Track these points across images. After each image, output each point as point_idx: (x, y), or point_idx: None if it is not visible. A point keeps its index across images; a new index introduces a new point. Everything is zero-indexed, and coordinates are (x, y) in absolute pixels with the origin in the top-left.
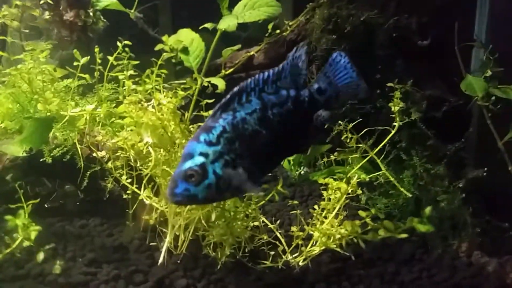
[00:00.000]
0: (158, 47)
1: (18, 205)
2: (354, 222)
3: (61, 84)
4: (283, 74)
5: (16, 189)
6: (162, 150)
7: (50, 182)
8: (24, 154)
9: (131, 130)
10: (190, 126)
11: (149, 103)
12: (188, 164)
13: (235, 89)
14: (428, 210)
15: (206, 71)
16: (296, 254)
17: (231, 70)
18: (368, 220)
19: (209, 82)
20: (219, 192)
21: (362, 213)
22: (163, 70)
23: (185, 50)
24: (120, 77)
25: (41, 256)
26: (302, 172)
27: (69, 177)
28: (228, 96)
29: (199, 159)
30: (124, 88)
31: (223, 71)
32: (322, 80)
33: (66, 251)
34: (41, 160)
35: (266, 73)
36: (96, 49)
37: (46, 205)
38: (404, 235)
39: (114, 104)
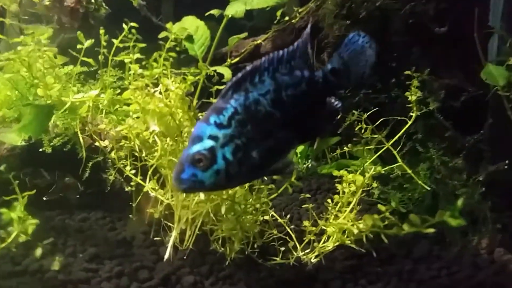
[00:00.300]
0: (162, 34)
1: (13, 197)
2: (374, 216)
3: (62, 70)
4: (297, 54)
5: (13, 180)
6: (168, 139)
7: (49, 174)
8: (23, 143)
9: (137, 117)
10: (199, 114)
11: (156, 89)
12: (197, 147)
13: (248, 68)
14: (460, 202)
15: (211, 60)
16: (308, 250)
17: (237, 59)
18: (387, 214)
19: (214, 71)
20: (228, 179)
21: (381, 207)
22: (171, 53)
23: (190, 38)
24: (126, 60)
25: (39, 251)
26: (310, 166)
27: (69, 168)
28: (240, 75)
29: (209, 143)
30: (130, 73)
31: (228, 60)
32: (336, 60)
33: (66, 246)
34: (40, 150)
35: (280, 52)
36: (102, 31)
37: (44, 198)
38: (430, 230)
39: (119, 91)
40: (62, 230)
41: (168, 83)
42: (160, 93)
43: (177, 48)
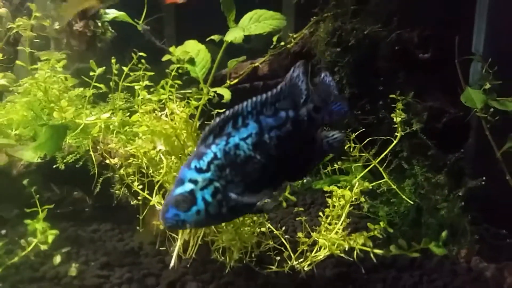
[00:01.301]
0: (166, 57)
1: (33, 210)
2: (364, 234)
3: (74, 93)
4: (282, 96)
5: (28, 194)
6: (173, 157)
7: (58, 188)
8: (39, 160)
9: (145, 138)
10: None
11: (162, 113)
12: (178, 190)
13: (229, 112)
14: (444, 234)
15: (212, 81)
16: (301, 260)
17: (236, 80)
18: (377, 233)
19: (215, 92)
20: (209, 217)
21: (371, 226)
22: (177, 81)
23: (191, 61)
24: (136, 87)
25: (58, 259)
26: (305, 181)
27: (79, 183)
28: (220, 118)
29: (189, 186)
30: (139, 97)
31: (228, 81)
32: (316, 98)
33: (79, 255)
34: (54, 166)
35: (264, 95)
36: (113, 60)
37: (57, 211)
38: (416, 255)
39: (128, 113)
40: (75, 240)
41: (174, 107)
42: (166, 116)
43: (180, 71)
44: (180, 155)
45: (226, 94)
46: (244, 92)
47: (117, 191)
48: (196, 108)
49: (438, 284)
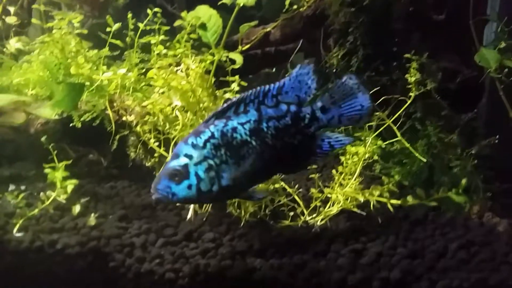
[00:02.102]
0: (177, 22)
1: (52, 165)
2: (381, 187)
3: (90, 53)
4: (284, 89)
5: (45, 152)
6: (189, 113)
7: (73, 150)
8: (56, 117)
9: (163, 93)
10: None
11: (178, 68)
12: (173, 163)
13: (234, 98)
14: (464, 181)
15: (223, 47)
16: (315, 215)
17: (247, 46)
18: (391, 186)
19: (227, 56)
20: (199, 194)
21: (385, 179)
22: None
23: (203, 26)
24: (152, 41)
25: (77, 208)
26: None
27: (94, 144)
28: (225, 104)
29: (183, 160)
30: (156, 52)
31: (239, 47)
32: (326, 98)
33: (97, 209)
34: (71, 125)
35: (267, 86)
36: (129, 15)
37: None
38: (434, 203)
39: (144, 70)
40: (93, 195)
41: (189, 62)
42: (182, 71)
43: (192, 36)
44: (195, 111)
45: (238, 58)
46: (254, 58)
47: (132, 153)
48: (212, 63)
49: (451, 237)
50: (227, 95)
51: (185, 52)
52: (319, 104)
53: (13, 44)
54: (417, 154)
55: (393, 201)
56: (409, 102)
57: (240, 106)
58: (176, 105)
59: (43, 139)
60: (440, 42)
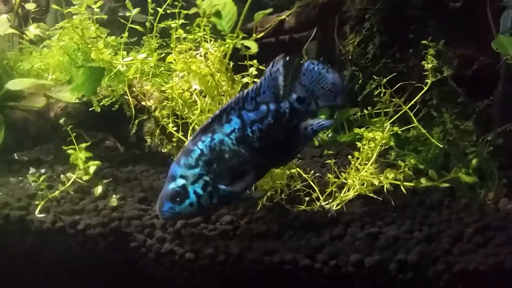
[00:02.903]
0: (192, 10)
1: (71, 147)
2: (395, 170)
3: (109, 39)
4: (262, 90)
5: (65, 136)
6: (207, 98)
7: (90, 136)
8: (76, 101)
9: (182, 77)
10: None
11: (197, 52)
12: (171, 185)
13: (217, 112)
14: (474, 161)
15: (238, 33)
16: (331, 200)
17: (262, 34)
18: (407, 170)
19: (242, 44)
20: (202, 208)
21: (401, 163)
22: (212, 18)
23: (218, 14)
24: (172, 25)
25: (99, 189)
26: (330, 135)
27: (112, 130)
28: (210, 119)
29: (180, 181)
30: (176, 36)
31: (254, 35)
32: (299, 89)
33: (116, 192)
34: (90, 109)
35: (245, 91)
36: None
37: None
38: (446, 185)
39: (163, 55)
40: (112, 179)
41: (208, 46)
42: (201, 55)
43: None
44: (214, 95)
45: (253, 46)
46: (269, 47)
47: (148, 139)
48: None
49: (467, 222)
50: (245, 80)
51: (204, 37)
52: (294, 96)
53: (32, 30)
54: (433, 140)
55: (406, 184)
56: (426, 88)
57: (222, 116)
58: (195, 89)
59: (61, 121)
60: (456, 29)
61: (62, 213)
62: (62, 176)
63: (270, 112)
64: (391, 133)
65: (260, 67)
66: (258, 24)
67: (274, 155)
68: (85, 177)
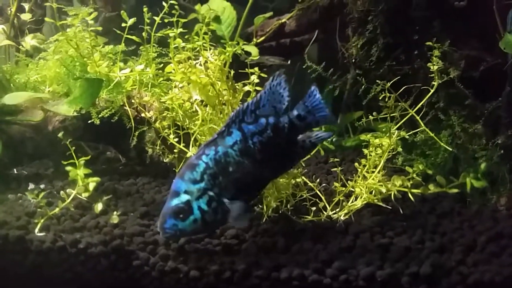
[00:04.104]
0: (191, 16)
1: (71, 162)
2: (403, 177)
3: (105, 49)
4: (261, 103)
5: (63, 150)
6: (208, 108)
7: (91, 148)
8: (74, 114)
9: (182, 87)
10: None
11: (196, 61)
12: (175, 201)
13: (221, 128)
14: (483, 165)
15: (238, 39)
16: (338, 209)
17: (262, 38)
18: (415, 175)
19: (242, 49)
20: (206, 224)
21: (409, 169)
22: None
23: (217, 19)
24: (170, 35)
25: (99, 206)
26: (334, 140)
27: (112, 142)
28: (215, 134)
29: (184, 197)
30: (175, 45)
31: (254, 39)
32: (301, 108)
33: (118, 207)
34: (89, 121)
35: (245, 104)
36: (145, 9)
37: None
38: (455, 190)
39: (162, 65)
40: (113, 193)
41: (208, 55)
42: (201, 65)
43: (205, 29)
44: (215, 105)
45: (254, 51)
46: (269, 51)
47: (149, 149)
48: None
49: (479, 230)
50: (247, 88)
51: (204, 45)
52: (295, 113)
53: (29, 41)
54: (442, 144)
55: (414, 191)
56: (432, 91)
57: (224, 130)
58: (195, 100)
59: (60, 134)
60: (462, 29)
61: (62, 231)
62: (62, 192)
63: (269, 125)
64: (398, 138)
65: (262, 74)
66: (258, 28)
67: (274, 167)
68: (84, 194)
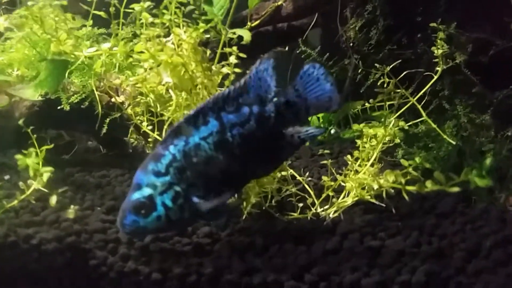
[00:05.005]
0: None
1: (31, 150)
2: (397, 172)
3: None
4: (245, 89)
5: (37, 139)
6: (183, 93)
7: (69, 134)
8: (39, 98)
9: (150, 69)
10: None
11: (167, 39)
12: (136, 195)
13: (192, 111)
14: (488, 161)
15: (231, 23)
16: (327, 206)
17: (257, 22)
18: (411, 170)
19: (233, 33)
20: (171, 223)
21: (404, 162)
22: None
23: (209, 1)
24: (136, 9)
25: (53, 199)
26: (332, 131)
27: (88, 127)
28: (183, 119)
29: (147, 191)
30: (141, 21)
31: (249, 23)
32: (290, 92)
33: (84, 200)
34: (59, 108)
35: (226, 90)
36: None
37: (64, 157)
38: (455, 189)
39: (132, 44)
40: (81, 185)
41: (180, 32)
42: (173, 44)
43: (196, 12)
44: (190, 89)
45: (246, 35)
46: (266, 36)
47: (132, 139)
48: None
49: (484, 232)
50: (224, 70)
51: (175, 21)
52: (282, 99)
53: (2, 22)
54: (445, 136)
55: (409, 187)
56: (435, 77)
57: (198, 117)
58: (166, 83)
59: (20, 122)
60: (470, 9)
61: (18, 225)
62: (21, 183)
63: (253, 115)
64: (397, 128)
65: (241, 55)
66: (253, 11)
67: (256, 164)
68: (38, 186)
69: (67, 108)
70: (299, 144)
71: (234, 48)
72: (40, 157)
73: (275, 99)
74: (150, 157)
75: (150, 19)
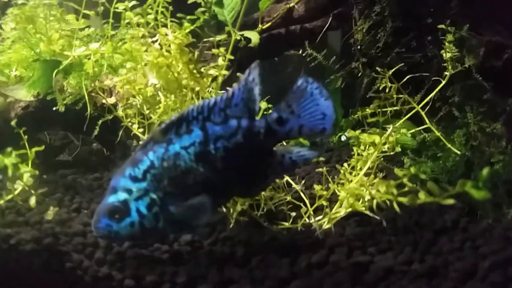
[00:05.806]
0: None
1: (23, 152)
2: (389, 182)
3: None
4: (234, 101)
5: (28, 138)
6: (169, 94)
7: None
8: (32, 98)
9: (133, 69)
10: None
11: (153, 39)
12: (111, 199)
13: (174, 117)
14: (485, 172)
15: (241, 25)
16: (320, 217)
17: (269, 24)
18: (405, 180)
19: (242, 35)
20: (145, 231)
21: (398, 172)
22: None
23: (219, 3)
24: (121, 7)
25: (33, 200)
26: (343, 138)
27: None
28: (164, 124)
29: (122, 195)
30: (127, 21)
31: (260, 26)
32: (283, 108)
33: (72, 202)
34: (54, 109)
35: (213, 100)
36: None
37: (62, 158)
38: (450, 201)
39: (122, 43)
40: (71, 187)
41: (166, 32)
42: (160, 44)
43: (206, 14)
44: (176, 91)
45: (255, 37)
46: (278, 38)
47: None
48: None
49: (484, 252)
50: (212, 72)
51: (161, 21)
52: (274, 115)
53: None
54: (449, 146)
55: (401, 199)
56: (443, 82)
57: (182, 125)
58: (152, 84)
59: (13, 123)
60: (483, 11)
61: (2, 225)
62: (7, 183)
63: (240, 129)
64: (398, 136)
65: (229, 56)
66: (265, 14)
67: (240, 182)
68: (19, 187)
69: (62, 109)
70: (290, 166)
71: (222, 49)
72: (30, 157)
73: (270, 115)
74: (129, 161)
75: (135, 19)
